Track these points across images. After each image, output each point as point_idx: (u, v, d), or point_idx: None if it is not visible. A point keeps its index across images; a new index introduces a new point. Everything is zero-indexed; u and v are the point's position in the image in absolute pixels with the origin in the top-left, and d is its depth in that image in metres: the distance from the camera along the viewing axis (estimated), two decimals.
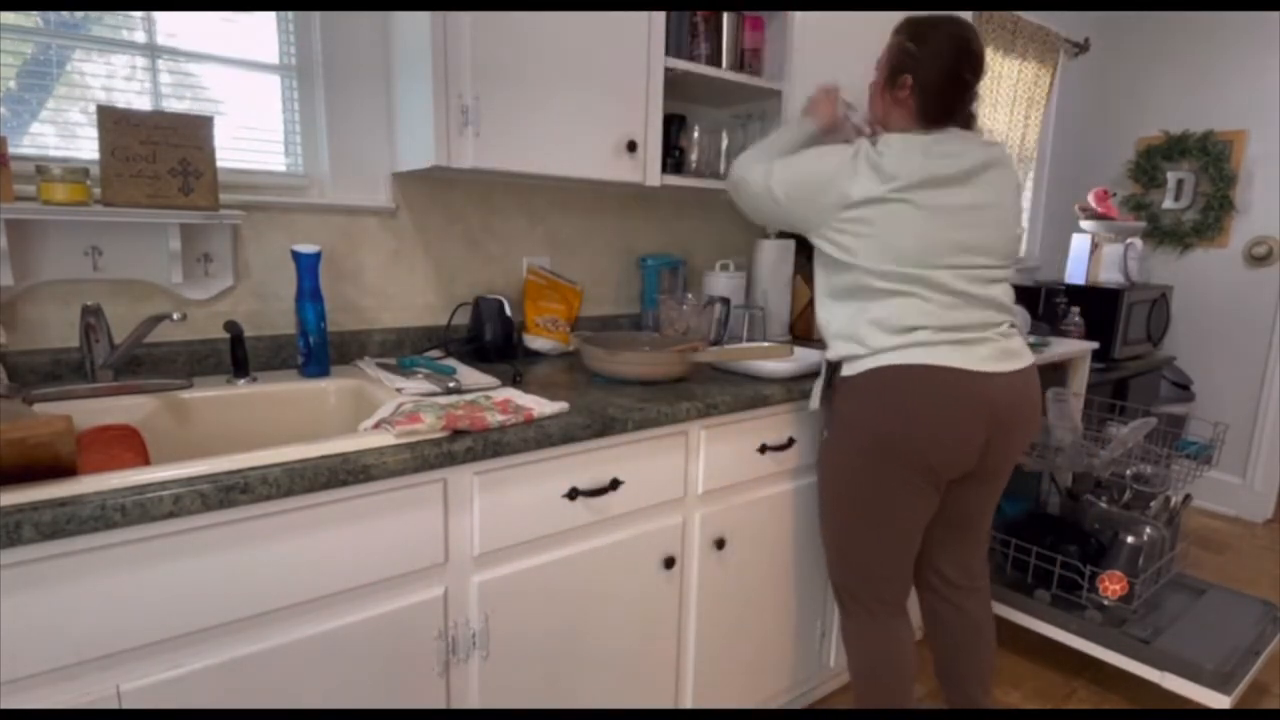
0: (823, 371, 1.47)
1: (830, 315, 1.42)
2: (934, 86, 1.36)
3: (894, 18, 1.45)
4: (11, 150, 1.22)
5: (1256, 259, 3.18)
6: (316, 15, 1.47)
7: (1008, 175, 1.40)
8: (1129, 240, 3.03)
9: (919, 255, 1.30)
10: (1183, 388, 3.34)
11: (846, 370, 1.38)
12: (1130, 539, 1.98)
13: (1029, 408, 1.39)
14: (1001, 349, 1.35)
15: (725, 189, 1.57)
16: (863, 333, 1.35)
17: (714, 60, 1.82)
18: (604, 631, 1.35)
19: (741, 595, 1.59)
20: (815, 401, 1.50)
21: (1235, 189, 3.20)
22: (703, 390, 1.45)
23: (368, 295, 1.61)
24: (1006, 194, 1.38)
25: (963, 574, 1.57)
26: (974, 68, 1.36)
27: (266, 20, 1.46)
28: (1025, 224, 3.65)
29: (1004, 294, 1.39)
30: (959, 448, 1.33)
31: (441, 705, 1.16)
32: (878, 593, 1.46)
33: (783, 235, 2.23)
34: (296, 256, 1.39)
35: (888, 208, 1.30)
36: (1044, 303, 2.84)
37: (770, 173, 1.43)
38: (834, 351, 1.41)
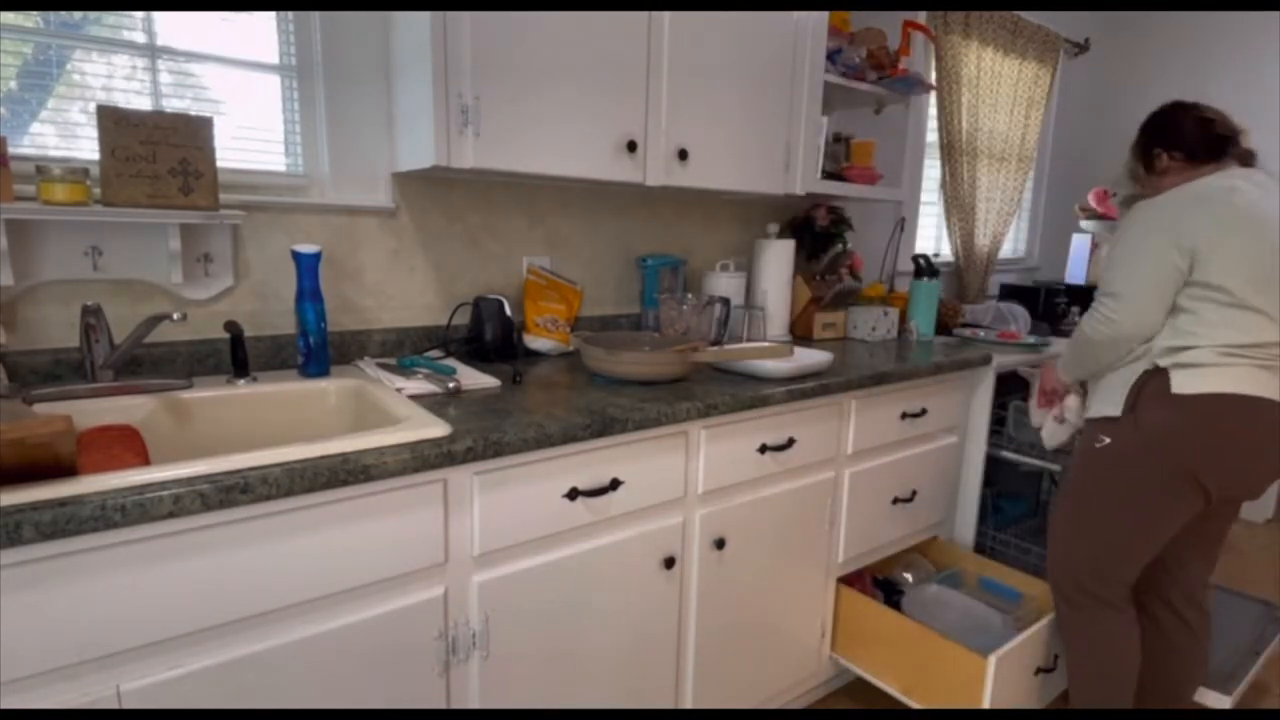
0: (1136, 376, 1.44)
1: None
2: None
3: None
4: (11, 150, 1.22)
5: None
6: (316, 15, 1.47)
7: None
8: None
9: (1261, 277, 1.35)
10: None
11: (1179, 385, 1.36)
12: None
13: None
14: None
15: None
16: (1200, 342, 1.36)
17: None
18: (604, 631, 1.35)
19: (742, 595, 1.59)
20: (1116, 408, 1.45)
21: None
22: (703, 390, 1.45)
23: (368, 295, 1.61)
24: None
25: (1194, 586, 1.61)
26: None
27: (266, 20, 1.46)
28: (1024, 224, 3.65)
29: None
30: (1251, 484, 1.39)
31: (441, 705, 1.16)
32: (1110, 587, 1.50)
33: (784, 235, 2.23)
34: (296, 256, 1.39)
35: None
36: (1044, 303, 2.84)
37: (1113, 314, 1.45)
38: (1167, 358, 1.40)
